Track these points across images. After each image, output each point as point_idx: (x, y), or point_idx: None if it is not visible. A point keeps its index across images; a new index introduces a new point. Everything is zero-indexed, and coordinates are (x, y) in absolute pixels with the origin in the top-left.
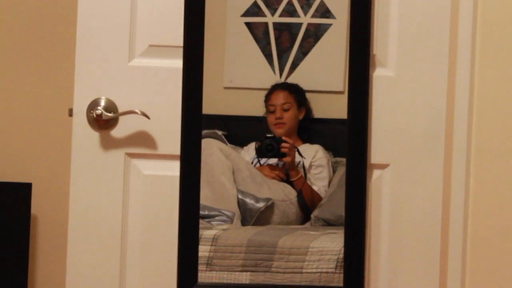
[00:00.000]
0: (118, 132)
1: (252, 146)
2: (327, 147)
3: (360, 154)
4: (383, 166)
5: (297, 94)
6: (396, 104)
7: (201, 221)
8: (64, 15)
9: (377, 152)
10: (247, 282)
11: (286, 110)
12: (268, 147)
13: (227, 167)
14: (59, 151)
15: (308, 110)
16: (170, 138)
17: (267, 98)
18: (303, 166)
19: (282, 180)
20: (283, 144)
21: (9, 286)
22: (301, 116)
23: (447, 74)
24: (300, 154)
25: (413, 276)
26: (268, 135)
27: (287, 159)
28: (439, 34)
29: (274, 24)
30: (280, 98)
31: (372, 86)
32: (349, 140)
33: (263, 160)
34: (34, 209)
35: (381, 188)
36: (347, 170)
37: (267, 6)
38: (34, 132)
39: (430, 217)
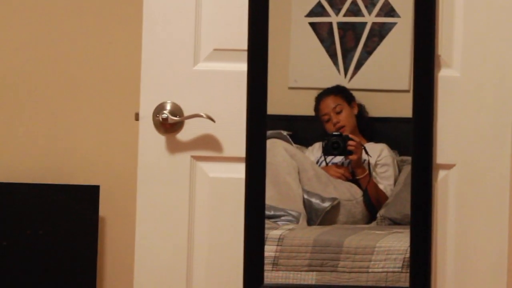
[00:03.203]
0: (183, 135)
1: (316, 146)
2: (392, 146)
3: (425, 154)
4: (449, 166)
5: (342, 93)
6: (461, 104)
7: (267, 221)
8: (130, 20)
9: (443, 152)
10: (313, 282)
11: (339, 113)
12: (334, 145)
13: (293, 167)
14: (126, 154)
15: (360, 104)
16: (235, 141)
17: (317, 110)
18: (369, 165)
19: (347, 179)
20: (350, 142)
21: (77, 287)
22: (355, 112)
23: None
24: (366, 151)
25: (481, 275)
26: (334, 133)
27: (353, 156)
28: (505, 33)
29: (339, 23)
30: (329, 104)
31: (437, 86)
32: (414, 140)
33: (328, 159)
34: (102, 211)
35: (447, 188)
36: (413, 170)
37: (331, 6)
38: (101, 136)
39: (497, 216)
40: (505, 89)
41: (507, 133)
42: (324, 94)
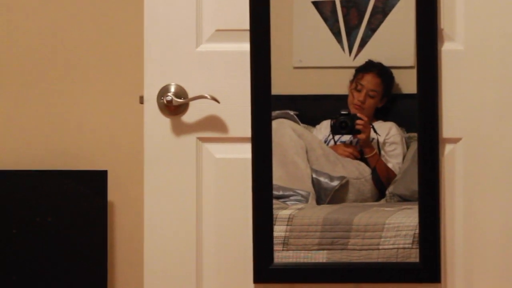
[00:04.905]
0: (189, 117)
1: (323, 124)
2: (400, 123)
3: (431, 128)
4: (455, 140)
5: (388, 83)
6: (466, 77)
7: (276, 201)
8: (131, 3)
9: (448, 126)
10: (324, 260)
11: (370, 97)
12: (342, 124)
13: (300, 146)
14: (133, 138)
15: (389, 99)
16: (241, 121)
17: (359, 74)
18: (378, 143)
19: (356, 158)
20: (358, 121)
21: (88, 272)
22: (380, 105)
23: None
24: (375, 131)
25: (490, 249)
26: (342, 112)
27: (361, 136)
28: (508, 3)
29: (342, 1)
30: (372, 83)
31: (441, 60)
32: (420, 115)
33: (336, 137)
34: (110, 196)
35: (454, 162)
36: (419, 145)
37: None
38: (107, 120)
39: (505, 189)
40: (510, 60)
41: None
42: (377, 70)
